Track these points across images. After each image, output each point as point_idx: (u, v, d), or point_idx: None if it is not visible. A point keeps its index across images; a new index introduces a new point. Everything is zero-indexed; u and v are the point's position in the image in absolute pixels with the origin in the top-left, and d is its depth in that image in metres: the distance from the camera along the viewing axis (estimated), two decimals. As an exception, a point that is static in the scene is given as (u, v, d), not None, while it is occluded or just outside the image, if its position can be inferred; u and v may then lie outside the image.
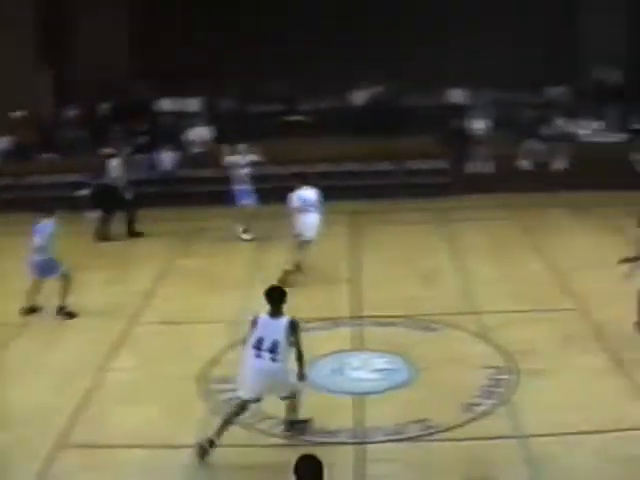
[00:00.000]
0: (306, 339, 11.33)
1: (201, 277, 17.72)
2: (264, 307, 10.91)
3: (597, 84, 24.54)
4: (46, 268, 15.41)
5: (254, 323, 10.85)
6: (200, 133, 24.08)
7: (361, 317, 15.33)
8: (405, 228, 20.58)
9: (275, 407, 11.40)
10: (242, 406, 10.88)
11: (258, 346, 10.68)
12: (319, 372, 12.73)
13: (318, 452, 7.43)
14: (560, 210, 21.48)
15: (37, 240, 15.33)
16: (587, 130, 23.74)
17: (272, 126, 23.51)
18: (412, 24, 24.14)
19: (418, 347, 13.91)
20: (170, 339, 14.69)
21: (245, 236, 19.97)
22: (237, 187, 19.91)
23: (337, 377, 12.97)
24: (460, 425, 11.42)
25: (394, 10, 24.40)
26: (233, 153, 20.14)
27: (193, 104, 25.12)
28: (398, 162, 23.40)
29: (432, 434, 11.27)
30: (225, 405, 11.68)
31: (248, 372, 10.82)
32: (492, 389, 12.47)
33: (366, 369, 13.03)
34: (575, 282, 16.62)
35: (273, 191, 19.72)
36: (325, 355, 13.55)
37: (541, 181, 22.67)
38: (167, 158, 23.12)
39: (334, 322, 15.05)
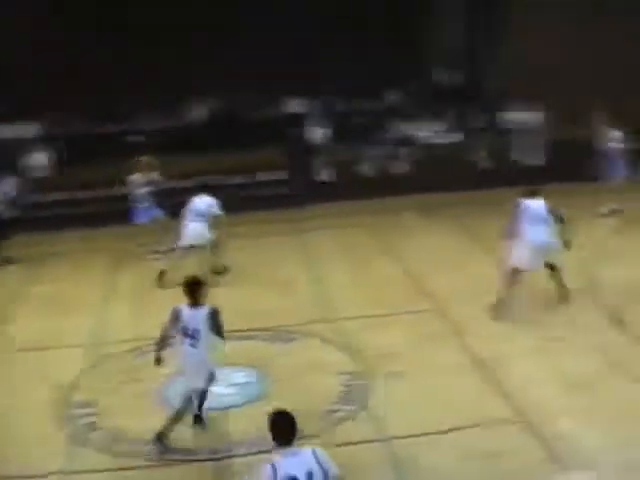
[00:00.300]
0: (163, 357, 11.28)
1: (56, 302, 17.32)
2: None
3: (437, 86, 24.98)
4: None
5: (174, 314, 11.30)
6: (39, 158, 23.53)
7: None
8: (258, 241, 20.49)
9: (135, 427, 11.27)
10: (189, 397, 11.45)
11: (185, 334, 11.25)
12: (178, 390, 12.60)
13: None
14: (408, 213, 21.82)
15: None
16: (428, 132, 24.12)
17: (116, 147, 23.10)
18: (242, 38, 23.99)
19: (277, 358, 13.91)
20: (27, 366, 14.28)
21: (156, 255, 19.39)
22: (137, 205, 19.72)
23: (196, 394, 12.87)
24: (321, 433, 11.42)
25: (222, 25, 24.21)
26: (136, 172, 19.85)
27: (32, 129, 24.49)
28: (241, 175, 23.27)
29: (293, 444, 11.32)
30: (84, 430, 11.49)
31: (181, 361, 11.46)
32: (351, 394, 12.55)
33: (224, 384, 12.92)
34: (429, 283, 16.94)
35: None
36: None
37: (384, 185, 22.93)
38: (7, 184, 22.49)
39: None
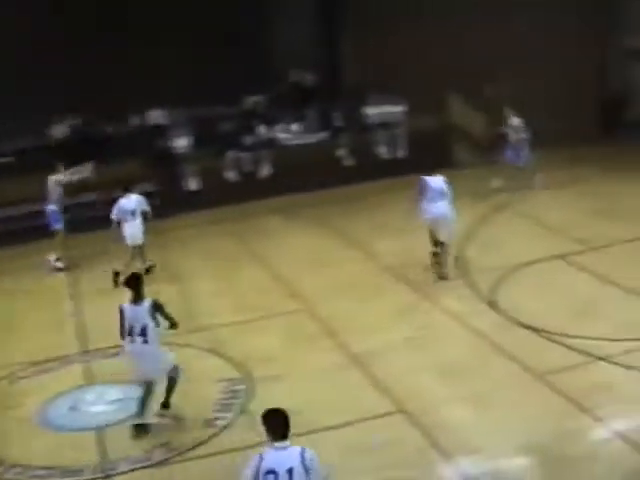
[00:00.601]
0: (38, 381, 11.01)
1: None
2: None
3: (295, 88, 24.98)
4: None
5: (121, 313, 11.73)
6: None
7: (88, 351, 14.84)
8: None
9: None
10: (148, 387, 11.81)
11: (130, 333, 11.65)
12: (57, 412, 12.34)
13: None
14: (274, 216, 21.69)
15: None
16: (289, 134, 24.11)
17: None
18: (101, 52, 23.49)
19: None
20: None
21: (58, 264, 19.17)
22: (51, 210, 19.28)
23: (75, 414, 12.62)
24: (204, 442, 11.36)
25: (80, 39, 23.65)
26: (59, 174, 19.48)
27: None
28: (104, 191, 22.63)
29: (177, 455, 11.17)
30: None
31: (130, 359, 11.88)
32: (230, 401, 12.47)
33: (102, 402, 12.68)
34: (299, 284, 16.93)
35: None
36: (59, 394, 13.13)
37: (249, 190, 22.81)
38: None
39: (64, 360, 14.49)
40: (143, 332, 11.61)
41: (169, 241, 20.56)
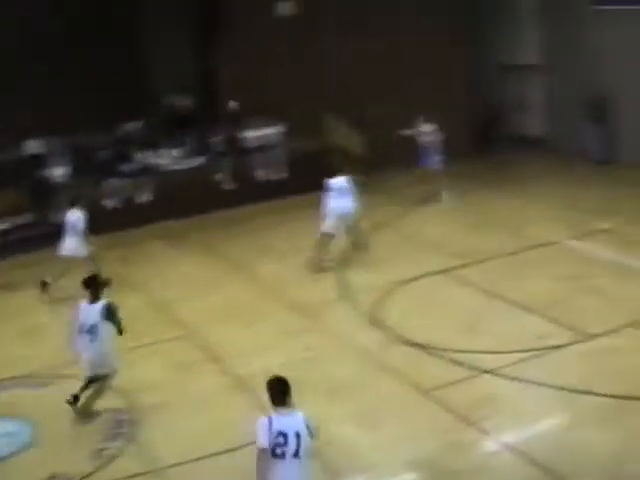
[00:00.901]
0: None
1: None
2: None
3: (173, 113, 24.79)
4: None
5: (75, 312, 12.53)
6: None
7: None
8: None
9: None
10: (86, 382, 12.55)
11: (80, 331, 12.37)
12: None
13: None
14: (156, 242, 21.43)
15: None
16: (168, 159, 23.89)
17: None
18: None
19: (35, 405, 13.34)
20: None
21: None
22: None
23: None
24: (92, 472, 11.15)
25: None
26: None
27: None
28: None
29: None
30: None
31: (79, 354, 12.56)
32: (117, 430, 12.25)
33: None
34: (182, 309, 16.78)
35: None
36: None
37: (131, 216, 22.50)
38: None
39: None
40: (91, 331, 12.30)
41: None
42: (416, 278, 16.96)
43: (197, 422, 12.15)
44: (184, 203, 22.35)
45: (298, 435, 8.58)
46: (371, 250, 18.47)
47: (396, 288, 16.53)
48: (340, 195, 18.15)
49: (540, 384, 12.45)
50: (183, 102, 24.79)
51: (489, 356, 13.38)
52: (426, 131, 22.45)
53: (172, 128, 24.53)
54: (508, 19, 28.10)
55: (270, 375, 8.98)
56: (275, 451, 8.53)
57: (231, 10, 24.38)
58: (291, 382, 8.63)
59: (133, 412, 12.73)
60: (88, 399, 12.61)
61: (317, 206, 20.99)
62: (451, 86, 26.55)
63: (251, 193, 22.95)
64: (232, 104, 22.15)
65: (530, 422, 11.72)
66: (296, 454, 8.55)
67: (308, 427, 8.67)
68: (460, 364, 13.22)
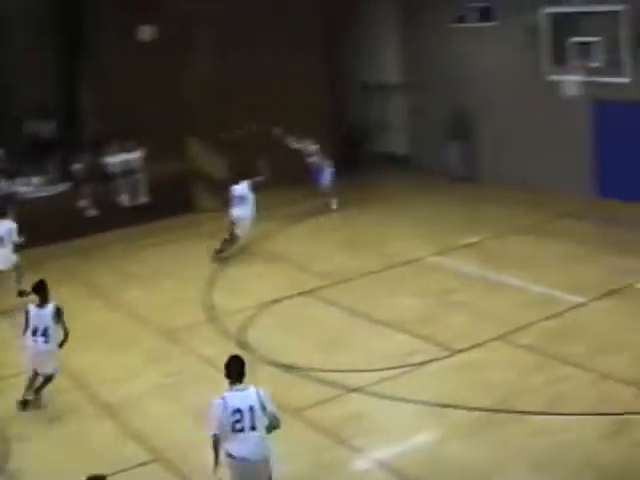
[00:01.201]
0: None
1: None
2: None
3: (33, 140, 24.26)
4: None
5: (26, 313, 13.38)
6: None
7: None
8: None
9: None
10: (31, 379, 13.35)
11: (34, 333, 13.15)
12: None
13: None
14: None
15: None
16: (29, 187, 23.32)
17: None
18: None
19: None
20: None
21: None
22: None
23: None
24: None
25: None
26: None
27: None
28: None
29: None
30: None
31: (27, 354, 13.30)
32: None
33: None
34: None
35: None
36: None
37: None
38: None
39: None
40: (45, 333, 13.11)
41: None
42: (282, 299, 16.93)
43: (67, 451, 11.95)
44: (46, 231, 21.82)
45: (252, 409, 9.39)
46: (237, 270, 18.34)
47: (262, 309, 16.46)
48: (238, 201, 19.65)
49: (408, 400, 12.56)
50: (45, 128, 24.28)
51: (356, 374, 13.45)
52: (310, 151, 22.79)
53: (34, 155, 23.97)
54: (371, 38, 28.51)
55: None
56: (235, 427, 9.34)
57: (95, 34, 24.09)
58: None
59: (2, 442, 12.36)
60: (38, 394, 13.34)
61: (179, 230, 21.01)
62: (316, 106, 26.75)
63: (113, 219, 22.62)
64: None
65: (400, 438, 11.81)
66: (253, 427, 9.36)
67: (260, 401, 9.45)
68: (328, 383, 13.26)
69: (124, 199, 22.78)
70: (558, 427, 11.54)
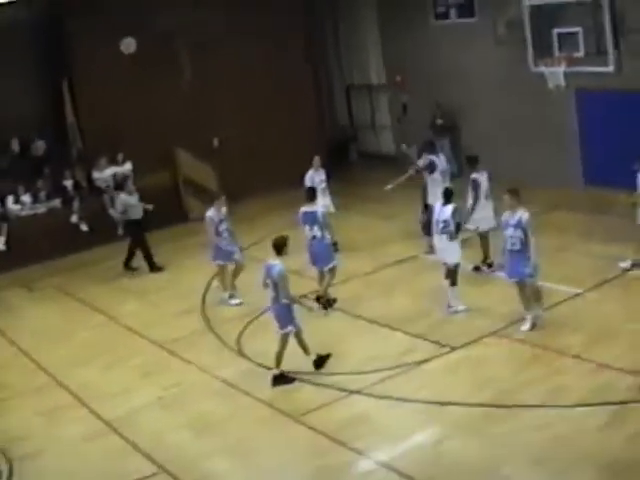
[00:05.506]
0: None
1: None
2: None
3: (23, 157, 24.19)
4: None
5: None
6: None
7: None
8: None
9: None
10: None
11: None
12: None
13: None
14: (13, 289, 20.72)
15: None
16: (20, 205, 23.26)
17: None
18: None
19: None
20: None
21: None
22: None
23: None
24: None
25: None
26: None
27: None
28: None
29: None
30: None
31: None
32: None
33: None
34: (43, 356, 16.32)
35: None
36: None
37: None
38: None
39: None
40: None
41: None
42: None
43: (72, 467, 12.02)
44: (40, 248, 21.89)
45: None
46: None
47: (259, 316, 16.45)
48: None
49: (407, 400, 12.62)
50: (35, 145, 24.24)
51: (355, 376, 13.52)
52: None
53: (24, 172, 23.91)
54: (355, 39, 28.61)
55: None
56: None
57: (80, 48, 24.00)
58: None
59: (5, 463, 12.36)
60: None
61: (169, 241, 20.99)
62: (303, 108, 26.89)
63: (106, 233, 22.59)
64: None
65: (402, 438, 11.84)
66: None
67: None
68: (327, 387, 13.32)
69: (116, 213, 22.76)
70: (558, 419, 11.61)
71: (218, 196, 17.90)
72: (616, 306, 14.90)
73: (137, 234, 20.51)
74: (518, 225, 14.00)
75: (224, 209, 17.69)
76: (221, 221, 17.50)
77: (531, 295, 14.37)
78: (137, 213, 20.53)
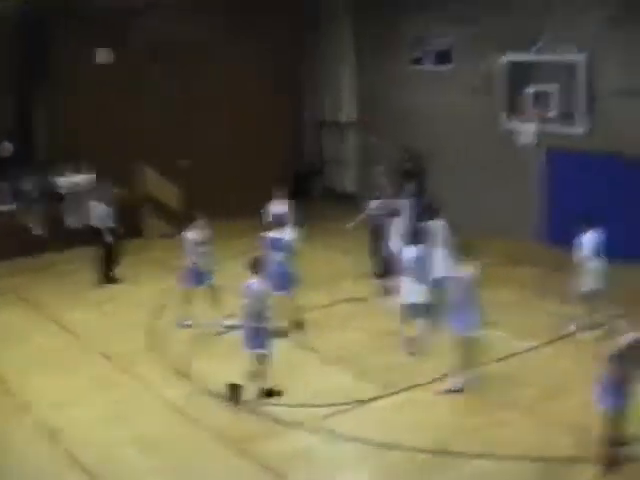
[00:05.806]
0: None
1: None
2: None
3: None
4: None
5: None
6: None
7: None
8: None
9: None
10: None
11: None
12: None
13: None
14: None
15: None
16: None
17: None
18: None
19: None
20: None
21: None
22: None
23: None
24: None
25: None
26: None
27: None
28: None
29: None
30: None
31: None
32: None
33: None
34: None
35: None
36: None
37: None
38: None
39: None
40: None
41: None
42: (226, 331, 16.72)
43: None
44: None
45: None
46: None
47: (209, 340, 16.31)
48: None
49: (351, 438, 12.48)
50: (3, 146, 24.05)
51: (299, 409, 13.37)
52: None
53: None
54: (330, 76, 28.71)
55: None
56: None
57: (52, 56, 24.02)
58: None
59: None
60: None
61: (129, 254, 20.83)
62: (274, 139, 27.01)
63: (61, 240, 22.46)
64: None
65: (339, 476, 11.71)
66: None
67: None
68: (270, 417, 13.16)
69: (72, 220, 22.56)
70: (494, 471, 11.52)
71: (199, 218, 17.62)
72: (568, 363, 14.86)
73: (106, 242, 20.29)
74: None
75: (206, 231, 17.50)
76: (201, 243, 17.32)
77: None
78: (108, 221, 20.36)
